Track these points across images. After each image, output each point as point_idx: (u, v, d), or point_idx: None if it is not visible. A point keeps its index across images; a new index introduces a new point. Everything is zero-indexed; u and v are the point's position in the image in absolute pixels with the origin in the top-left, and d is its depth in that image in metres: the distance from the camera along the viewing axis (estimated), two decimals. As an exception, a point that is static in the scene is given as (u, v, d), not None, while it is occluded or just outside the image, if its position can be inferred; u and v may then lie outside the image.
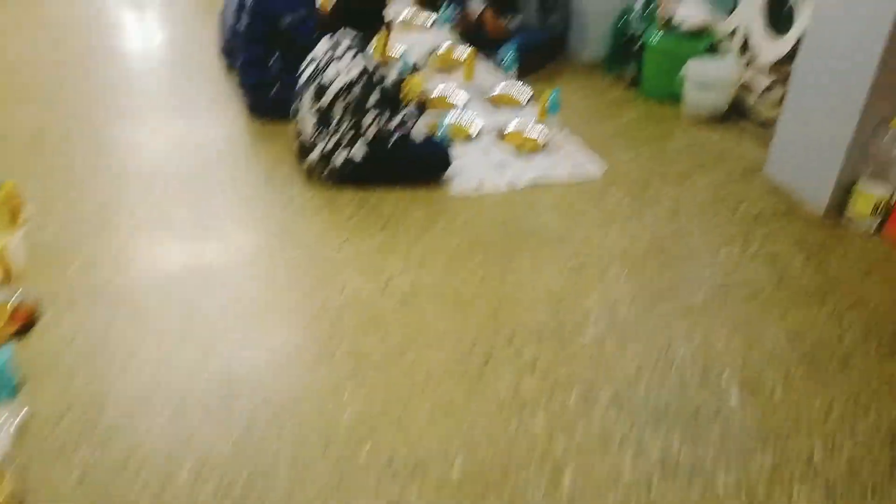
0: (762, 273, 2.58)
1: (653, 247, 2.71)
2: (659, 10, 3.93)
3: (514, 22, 4.24)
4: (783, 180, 3.12)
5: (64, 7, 5.20)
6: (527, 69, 4.20)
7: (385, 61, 3.95)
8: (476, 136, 3.46)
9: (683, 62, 3.74)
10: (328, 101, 2.82)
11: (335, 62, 2.80)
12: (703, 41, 3.86)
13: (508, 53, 3.96)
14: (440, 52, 4.38)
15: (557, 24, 4.37)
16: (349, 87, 2.79)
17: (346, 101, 2.82)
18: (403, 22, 4.94)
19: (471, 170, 3.18)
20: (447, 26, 4.60)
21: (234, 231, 2.75)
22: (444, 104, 3.75)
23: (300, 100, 2.91)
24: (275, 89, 3.46)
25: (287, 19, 3.34)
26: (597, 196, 3.02)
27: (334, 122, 2.86)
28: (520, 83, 3.99)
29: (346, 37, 2.86)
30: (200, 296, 2.39)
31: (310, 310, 2.35)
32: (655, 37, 3.90)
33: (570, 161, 3.28)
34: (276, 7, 3.32)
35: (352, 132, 2.91)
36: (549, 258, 2.62)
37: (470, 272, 2.53)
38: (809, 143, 2.97)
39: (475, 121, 3.55)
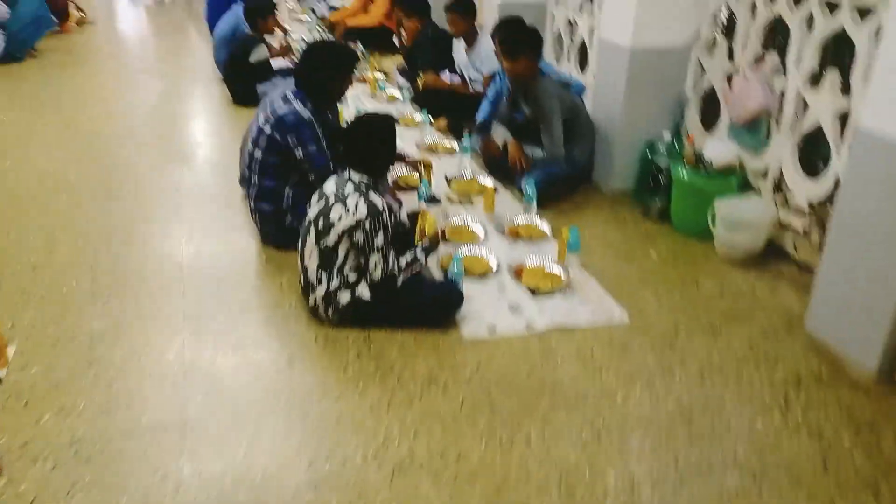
0: (804, 452, 2.28)
1: (680, 414, 2.43)
2: (686, 144, 3.80)
3: (537, 152, 4.14)
4: (826, 337, 2.85)
5: (80, 122, 5.30)
6: (549, 201, 4.06)
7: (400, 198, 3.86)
8: (493, 272, 3.28)
9: (713, 199, 3.57)
10: (333, 241, 2.68)
11: (341, 202, 2.68)
12: (734, 179, 3.69)
13: (530, 185, 3.84)
14: (461, 180, 4.29)
15: (581, 154, 4.26)
16: (354, 227, 2.65)
17: (352, 241, 2.68)
18: (427, 147, 4.89)
19: (485, 311, 2.98)
20: (469, 154, 4.53)
21: (224, 379, 2.56)
22: (461, 236, 3.60)
23: (305, 237, 2.78)
24: (288, 219, 3.35)
25: (300, 152, 3.26)
26: (619, 348, 2.78)
27: (338, 261, 2.72)
28: (540, 217, 3.84)
29: (354, 176, 2.75)
30: (171, 458, 2.17)
31: (290, 480, 2.11)
32: (683, 172, 3.75)
33: (592, 305, 3.07)
34: (290, 140, 3.26)
35: (357, 272, 2.75)
36: (563, 423, 2.36)
37: (473, 439, 2.28)
38: (854, 297, 2.72)
39: (492, 256, 3.39)
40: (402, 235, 3.10)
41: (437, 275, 3.21)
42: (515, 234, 3.66)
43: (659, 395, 2.52)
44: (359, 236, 2.66)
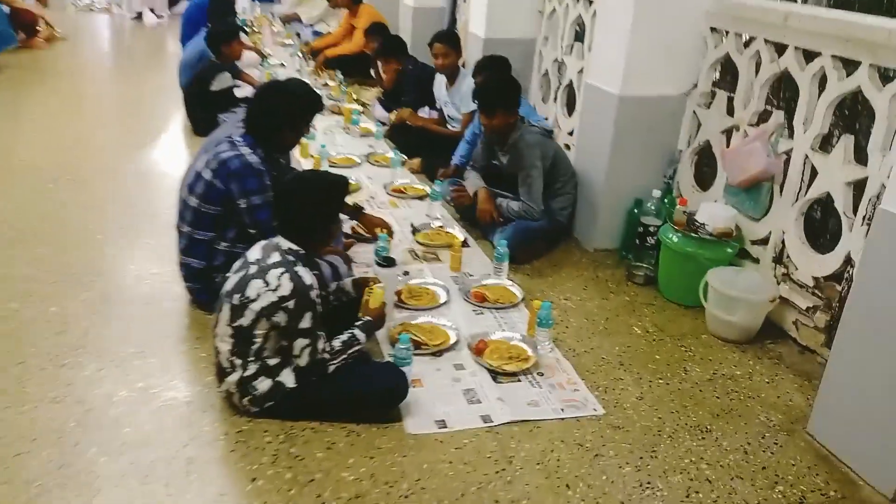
0: None
1: (660, 551, 1.99)
2: (678, 206, 3.40)
3: (513, 204, 3.72)
4: (833, 448, 2.42)
5: (14, 151, 4.86)
6: (524, 257, 3.65)
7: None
8: (450, 344, 2.85)
9: (706, 268, 3.16)
10: (249, 321, 2.24)
11: (261, 275, 2.24)
12: (729, 247, 3.29)
13: (501, 242, 3.42)
14: (428, 231, 3.87)
15: (562, 208, 3.85)
16: (276, 307, 2.21)
17: (271, 322, 2.24)
18: (395, 189, 4.48)
19: (437, 397, 2.55)
20: (440, 201, 4.12)
21: (103, 486, 2.10)
22: (420, 299, 3.17)
23: (218, 313, 2.33)
24: (219, 279, 2.91)
25: (243, 203, 2.81)
26: (591, 456, 2.34)
27: (256, 344, 2.28)
28: (510, 278, 3.42)
29: (283, 243, 2.32)
30: None
31: None
32: (673, 235, 3.34)
33: (563, 393, 2.63)
34: (233, 188, 2.80)
35: (279, 356, 2.31)
36: (515, 562, 1.92)
37: (401, 584, 1.83)
38: (867, 404, 2.30)
39: (451, 325, 2.96)
40: (346, 305, 2.67)
41: (385, 350, 2.78)
42: (482, 299, 3.23)
43: (635, 522, 2.08)
44: (280, 317, 2.23)
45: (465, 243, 3.78)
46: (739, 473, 2.31)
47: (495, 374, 2.71)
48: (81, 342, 2.74)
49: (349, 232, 3.77)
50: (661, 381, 2.77)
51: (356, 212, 3.53)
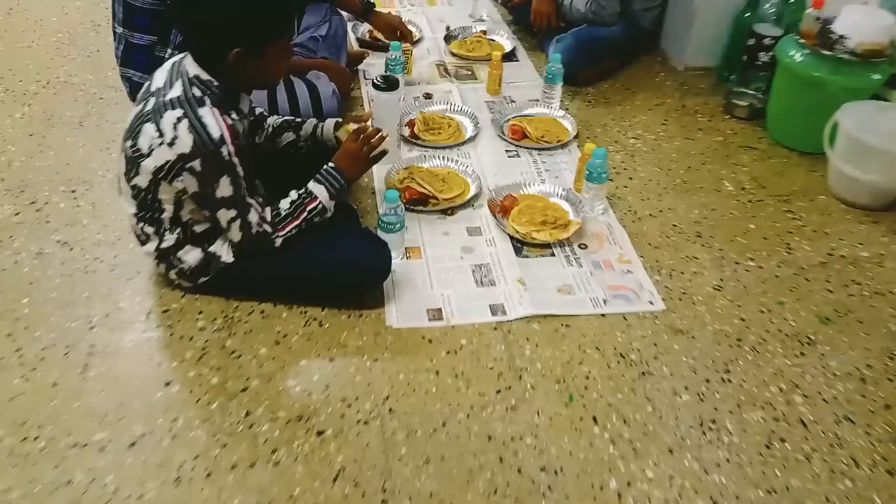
0: None
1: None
2: (808, 8, 2.40)
3: (576, 6, 2.78)
4: None
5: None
6: (588, 77, 2.79)
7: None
8: (469, 198, 2.15)
9: (837, 102, 2.24)
10: (146, 182, 1.58)
11: (155, 119, 1.53)
12: (876, 72, 2.32)
13: (555, 56, 2.55)
14: (466, 38, 3.01)
15: (646, 11, 2.88)
16: (174, 168, 1.54)
17: (175, 187, 1.58)
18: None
19: (435, 275, 1.91)
20: (488, -1, 3.20)
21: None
22: (437, 133, 2.43)
23: (122, 154, 1.67)
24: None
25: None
26: (638, 369, 1.67)
27: (167, 212, 1.64)
28: (563, 105, 2.59)
29: (189, 67, 1.57)
30: None
31: None
32: (796, 52, 2.39)
33: (610, 277, 1.93)
34: None
35: (207, 224, 1.68)
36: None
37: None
38: None
39: (472, 171, 2.23)
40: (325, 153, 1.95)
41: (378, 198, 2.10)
42: (520, 135, 2.45)
43: (722, 489, 1.45)
44: (187, 181, 1.56)
45: (510, 55, 2.92)
46: (850, 413, 1.60)
47: (521, 245, 2.01)
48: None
49: (365, 38, 2.96)
50: (751, 263, 2.00)
51: (367, 9, 2.70)
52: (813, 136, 2.31)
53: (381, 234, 1.89)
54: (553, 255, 1.99)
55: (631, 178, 2.32)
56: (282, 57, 1.61)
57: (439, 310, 1.80)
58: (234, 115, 1.58)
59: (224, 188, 1.55)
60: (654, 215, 2.16)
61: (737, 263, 2.00)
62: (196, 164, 1.51)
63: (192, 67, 1.56)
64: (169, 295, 1.81)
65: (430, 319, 1.78)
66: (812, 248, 2.07)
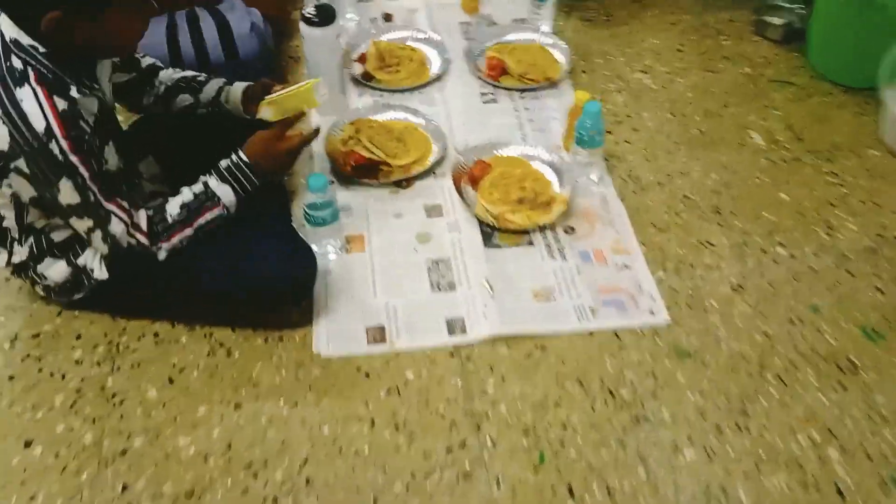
0: None
1: None
2: None
3: None
4: None
5: None
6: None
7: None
8: (430, 168, 1.72)
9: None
10: (-26, 181, 1.18)
11: None
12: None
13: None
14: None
15: None
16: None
17: (6, 192, 1.17)
18: None
19: (381, 276, 1.52)
20: None
21: None
22: (393, 69, 1.96)
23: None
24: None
25: None
26: (630, 410, 1.31)
27: (4, 220, 1.24)
28: (555, 29, 2.10)
29: (4, 33, 1.12)
30: None
31: None
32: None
33: (602, 273, 1.53)
34: None
35: (68, 231, 1.28)
36: None
37: None
38: None
39: (435, 129, 1.79)
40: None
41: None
42: (499, 71, 1.97)
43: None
44: (16, 183, 1.15)
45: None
46: (899, 472, 1.25)
47: (491, 230, 1.60)
48: None
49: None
50: (781, 251, 1.59)
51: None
52: (866, 68, 1.84)
53: (308, 228, 1.49)
54: (531, 243, 1.59)
55: (635, 130, 1.87)
56: (133, 16, 1.15)
57: (382, 329, 1.42)
58: (75, 92, 1.14)
59: (67, 194, 1.14)
60: (661, 182, 1.73)
61: (763, 252, 1.59)
62: (21, 163, 1.10)
63: (8, 28, 1.11)
64: (42, 312, 1.44)
65: (369, 342, 1.40)
66: (858, 227, 1.65)
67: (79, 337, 1.40)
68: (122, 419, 1.28)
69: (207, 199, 1.30)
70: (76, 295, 1.36)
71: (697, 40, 2.15)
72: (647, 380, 1.36)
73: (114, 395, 1.31)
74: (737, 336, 1.43)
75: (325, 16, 1.65)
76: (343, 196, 1.66)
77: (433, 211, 1.65)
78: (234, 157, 1.34)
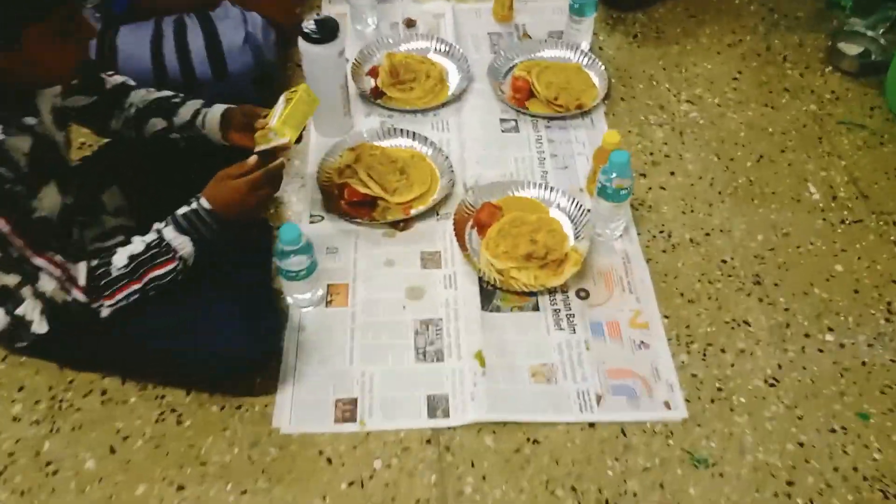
0: None
1: None
2: None
3: None
4: None
5: None
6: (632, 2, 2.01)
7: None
8: (432, 207, 1.53)
9: None
10: None
11: None
12: None
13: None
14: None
15: None
16: None
17: None
18: None
19: (359, 339, 1.35)
20: None
21: None
22: (406, 87, 1.75)
23: None
24: None
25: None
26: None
27: None
28: (592, 47, 1.86)
29: None
30: None
31: None
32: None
33: (613, 351, 1.33)
34: None
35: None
36: None
37: None
38: None
39: (445, 160, 1.60)
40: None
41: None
42: (525, 94, 1.76)
43: None
44: None
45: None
46: None
47: (493, 290, 1.41)
48: None
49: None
50: (829, 338, 1.36)
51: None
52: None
53: (282, 281, 1.32)
54: (536, 308, 1.39)
55: (673, 174, 1.63)
56: (61, 41, 0.99)
57: (354, 403, 1.25)
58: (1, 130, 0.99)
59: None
60: (696, 241, 1.50)
61: (807, 336, 1.36)
62: None
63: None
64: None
65: (336, 420, 1.24)
66: (932, 315, 1.40)
67: (21, 389, 1.27)
68: (54, 493, 1.15)
69: (161, 251, 1.15)
70: (18, 344, 1.23)
71: (758, 67, 1.88)
72: (652, 492, 1.16)
73: (48, 464, 1.18)
74: (766, 443, 1.22)
75: (327, 31, 1.46)
76: (331, 234, 1.49)
77: (430, 260, 1.46)
78: (193, 202, 1.17)
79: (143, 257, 1.14)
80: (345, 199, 1.52)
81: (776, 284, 1.43)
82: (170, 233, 1.16)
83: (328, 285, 1.41)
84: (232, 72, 1.52)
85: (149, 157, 1.38)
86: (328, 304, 1.39)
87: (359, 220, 1.50)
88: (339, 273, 1.43)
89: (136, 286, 1.14)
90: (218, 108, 1.32)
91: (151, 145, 1.35)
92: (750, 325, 1.37)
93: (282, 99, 1.26)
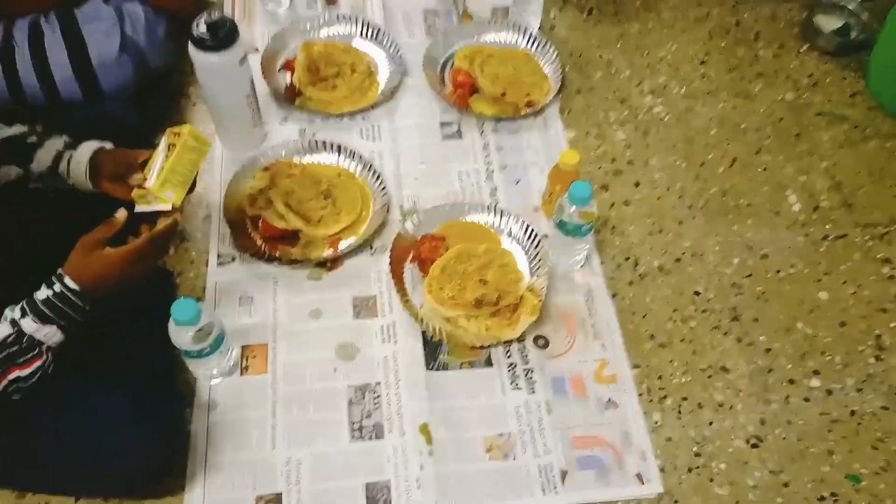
0: None
1: None
2: None
3: None
4: None
5: None
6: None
7: None
8: (366, 240, 1.31)
9: None
10: None
11: None
12: None
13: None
14: None
15: None
16: None
17: None
18: None
19: (283, 422, 1.15)
20: None
21: None
22: (330, 85, 1.50)
23: None
24: None
25: None
26: None
27: None
28: (535, 35, 1.63)
29: None
30: None
31: None
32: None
33: (578, 414, 1.16)
34: None
35: None
36: None
37: None
38: None
39: (373, 177, 1.37)
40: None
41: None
42: (467, 90, 1.52)
43: None
44: None
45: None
46: None
47: (437, 344, 1.21)
48: None
49: None
50: (816, 384, 1.21)
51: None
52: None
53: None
54: (489, 363, 1.20)
55: (638, 185, 1.44)
56: None
57: (278, 500, 1.06)
58: None
59: None
60: (667, 270, 1.33)
61: (791, 383, 1.21)
62: None
63: None
64: None
65: (259, 516, 1.04)
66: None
67: None
68: None
69: (22, 348, 0.91)
70: None
71: (728, 48, 1.67)
72: (626, 592, 1.01)
73: None
74: (755, 522, 1.08)
75: (222, 35, 1.18)
76: (244, 280, 1.26)
77: (364, 307, 1.25)
78: (55, 283, 0.93)
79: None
80: (259, 233, 1.29)
81: (755, 320, 1.27)
82: (29, 325, 0.92)
83: (242, 347, 1.19)
84: (107, 90, 1.23)
85: (9, 203, 1.11)
86: (244, 371, 1.17)
87: (279, 259, 1.26)
88: (256, 331, 1.21)
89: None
90: (85, 151, 1.06)
91: (8, 193, 1.09)
92: (728, 372, 1.22)
93: (163, 143, 1.01)
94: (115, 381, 1.01)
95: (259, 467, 1.08)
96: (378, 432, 1.12)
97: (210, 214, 1.33)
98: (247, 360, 1.18)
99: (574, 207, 1.16)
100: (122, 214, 0.97)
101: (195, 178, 1.03)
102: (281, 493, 1.06)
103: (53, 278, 0.94)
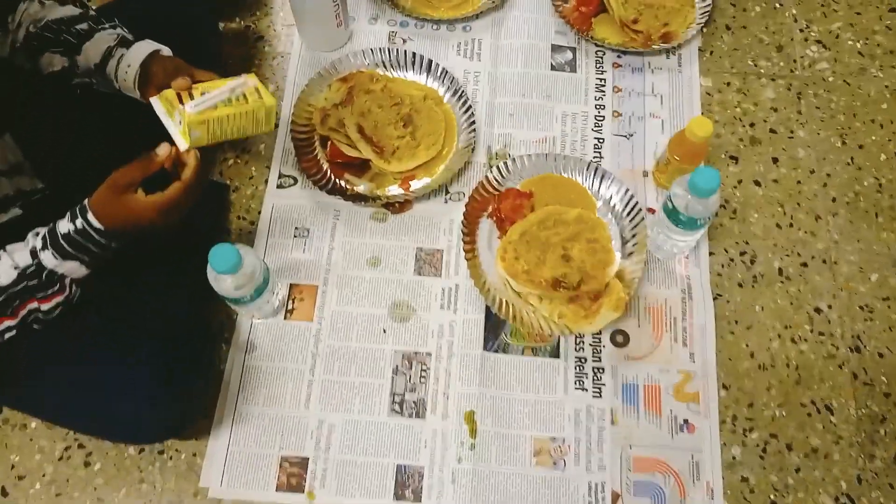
0: None
1: None
2: None
3: None
4: None
5: None
6: None
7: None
8: (451, 178, 1.15)
9: None
10: None
11: None
12: None
13: None
14: None
15: None
16: None
17: None
18: None
19: (320, 381, 1.06)
20: None
21: None
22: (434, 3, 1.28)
23: None
24: None
25: None
26: None
27: None
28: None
29: None
30: None
31: None
32: None
33: (648, 435, 1.02)
34: None
35: None
36: None
37: None
38: None
39: (469, 108, 1.19)
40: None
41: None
42: (592, 8, 1.26)
43: None
44: None
45: None
46: None
47: (500, 320, 1.07)
48: None
49: None
50: (936, 442, 1.03)
51: None
52: None
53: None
54: (556, 354, 1.06)
55: (776, 161, 1.19)
56: None
57: (304, 465, 0.99)
58: None
59: None
60: (787, 273, 1.12)
61: (906, 441, 1.03)
62: None
63: None
64: None
65: (280, 487, 0.98)
66: None
67: None
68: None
69: (42, 282, 0.83)
70: None
71: None
72: None
73: (-75, 503, 0.97)
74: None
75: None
76: (303, 209, 1.13)
77: (427, 263, 1.11)
78: (77, 217, 0.83)
79: (13, 288, 0.82)
80: (327, 156, 1.14)
81: (881, 355, 1.07)
82: (49, 259, 0.82)
83: (290, 286, 1.08)
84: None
85: (55, 92, 0.99)
86: (288, 314, 1.07)
87: (346, 187, 1.12)
88: (308, 269, 1.09)
89: (9, 322, 0.84)
90: (138, 53, 0.91)
91: (56, 83, 0.97)
92: (833, 413, 1.04)
93: (235, 84, 0.85)
94: (138, 330, 0.92)
95: (289, 426, 1.01)
96: (419, 410, 1.02)
97: (277, 124, 1.19)
98: (293, 301, 1.08)
99: (693, 197, 0.96)
100: (164, 151, 0.84)
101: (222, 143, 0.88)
102: (308, 459, 0.99)
103: (77, 210, 0.83)
